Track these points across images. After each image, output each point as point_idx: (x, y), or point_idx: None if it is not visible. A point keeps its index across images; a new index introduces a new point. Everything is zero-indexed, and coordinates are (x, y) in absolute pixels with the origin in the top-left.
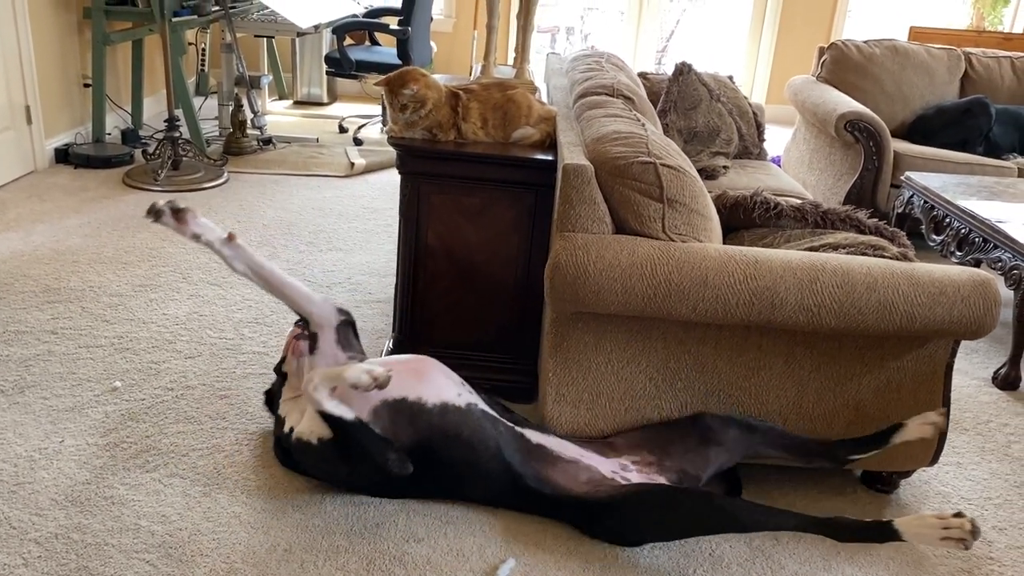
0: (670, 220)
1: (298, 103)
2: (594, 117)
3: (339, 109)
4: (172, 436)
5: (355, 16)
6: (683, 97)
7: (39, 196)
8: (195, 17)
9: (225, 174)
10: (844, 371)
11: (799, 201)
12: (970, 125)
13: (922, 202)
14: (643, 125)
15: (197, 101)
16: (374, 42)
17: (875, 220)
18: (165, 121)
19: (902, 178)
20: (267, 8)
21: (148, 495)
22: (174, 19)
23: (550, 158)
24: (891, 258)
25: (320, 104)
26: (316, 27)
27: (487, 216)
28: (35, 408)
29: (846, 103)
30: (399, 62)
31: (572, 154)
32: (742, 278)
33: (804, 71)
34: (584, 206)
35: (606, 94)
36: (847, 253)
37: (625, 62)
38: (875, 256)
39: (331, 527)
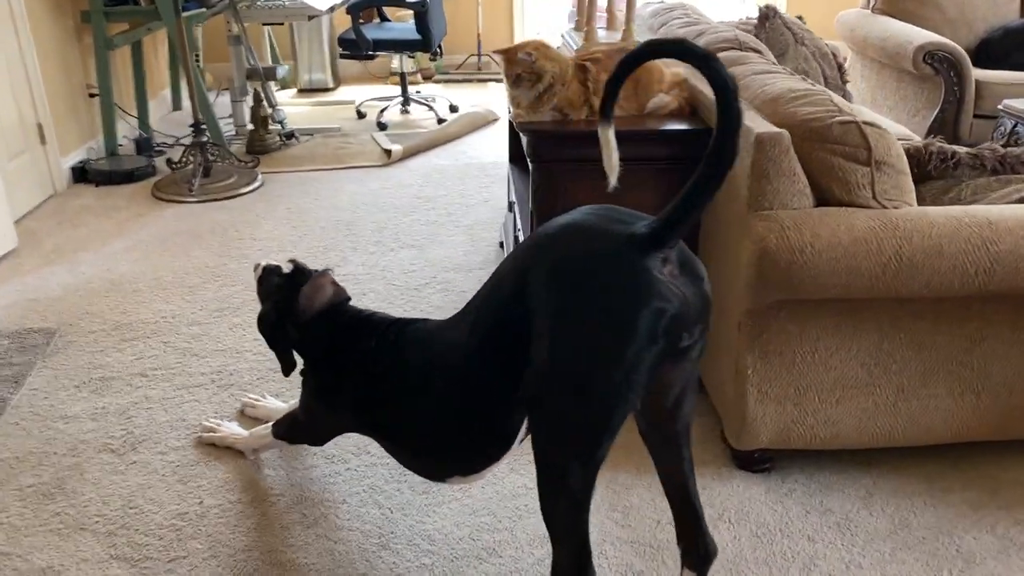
0: (880, 185)
1: (303, 91)
2: (744, 75)
3: (346, 93)
4: (321, 481)
5: None
6: (771, 44)
7: (70, 221)
8: (203, 10)
9: (259, 176)
10: None
11: (974, 148)
12: None
13: None
14: (806, 79)
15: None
16: (384, 18)
17: None
18: (191, 126)
19: (999, 107)
20: None
21: (321, 556)
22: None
23: (697, 128)
24: None
25: (326, 90)
26: (332, 8)
27: (628, 200)
28: (155, 466)
29: (920, 34)
30: (419, 37)
31: (750, 120)
32: (979, 243)
33: (848, 3)
34: (782, 179)
35: (734, 48)
36: None
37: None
38: None
39: None
